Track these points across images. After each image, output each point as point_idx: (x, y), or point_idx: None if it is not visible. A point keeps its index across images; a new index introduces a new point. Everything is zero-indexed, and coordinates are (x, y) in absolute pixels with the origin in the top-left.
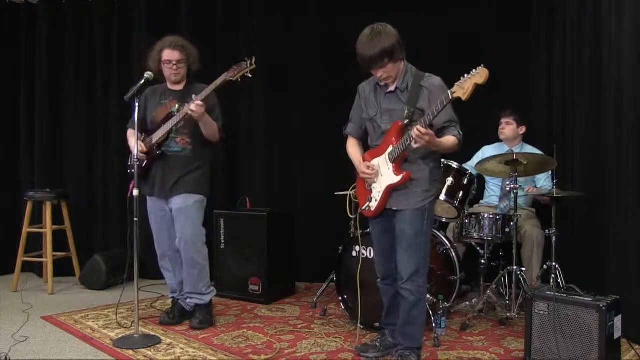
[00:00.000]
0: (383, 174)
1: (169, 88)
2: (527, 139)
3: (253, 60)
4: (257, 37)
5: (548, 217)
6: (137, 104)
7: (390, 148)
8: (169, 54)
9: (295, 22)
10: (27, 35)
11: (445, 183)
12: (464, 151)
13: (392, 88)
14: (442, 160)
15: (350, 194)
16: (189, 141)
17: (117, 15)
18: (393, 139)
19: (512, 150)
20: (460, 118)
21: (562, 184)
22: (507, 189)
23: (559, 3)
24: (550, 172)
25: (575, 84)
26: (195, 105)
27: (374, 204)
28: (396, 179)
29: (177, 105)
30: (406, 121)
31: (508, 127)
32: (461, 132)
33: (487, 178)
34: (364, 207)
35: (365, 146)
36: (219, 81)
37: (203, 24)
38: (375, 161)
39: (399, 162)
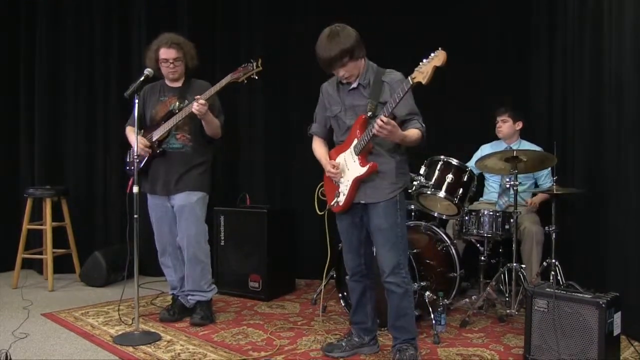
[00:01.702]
0: (350, 167)
1: (167, 85)
2: (524, 135)
3: (259, 62)
4: (257, 37)
5: (548, 213)
6: (136, 101)
7: (355, 141)
8: (166, 53)
9: (295, 22)
10: (27, 34)
11: (445, 180)
12: (465, 150)
13: (354, 85)
14: (442, 157)
15: (318, 191)
16: (189, 137)
17: (117, 14)
18: (357, 132)
19: (510, 147)
20: (459, 118)
21: (562, 181)
22: (507, 185)
23: (559, 3)
24: (550, 169)
25: (576, 84)
26: (198, 106)
27: (342, 199)
28: (362, 170)
29: (176, 103)
30: (369, 114)
31: (505, 125)
32: (424, 125)
33: (486, 175)
34: (332, 203)
35: (330, 144)
36: (223, 82)
37: (203, 24)
38: (341, 157)
39: (365, 154)
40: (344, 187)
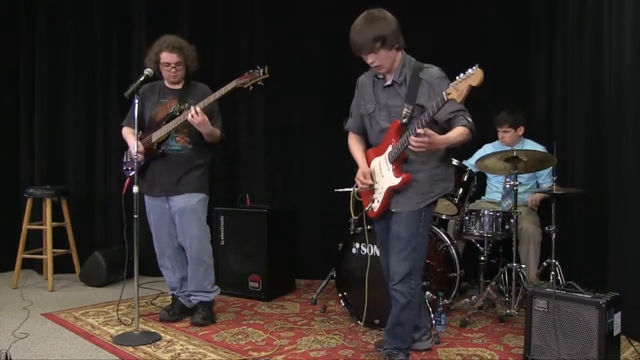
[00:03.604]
0: (384, 174)
1: (167, 87)
2: (527, 134)
3: (266, 69)
4: (257, 37)
5: (548, 213)
6: (136, 101)
7: (390, 148)
8: (167, 57)
9: (295, 22)
10: (27, 34)
11: None
12: (465, 150)
13: (389, 82)
14: None
15: (354, 192)
16: (189, 140)
17: (117, 14)
18: (393, 138)
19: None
20: None
21: (562, 181)
22: (507, 185)
23: (559, 3)
24: (551, 169)
25: (576, 84)
26: (191, 116)
27: (376, 205)
28: (396, 181)
29: (177, 105)
30: (404, 120)
31: (507, 135)
32: (471, 120)
33: (488, 175)
34: (367, 208)
35: (367, 141)
36: (229, 87)
37: (203, 24)
38: (376, 161)
39: (399, 162)
40: (378, 194)
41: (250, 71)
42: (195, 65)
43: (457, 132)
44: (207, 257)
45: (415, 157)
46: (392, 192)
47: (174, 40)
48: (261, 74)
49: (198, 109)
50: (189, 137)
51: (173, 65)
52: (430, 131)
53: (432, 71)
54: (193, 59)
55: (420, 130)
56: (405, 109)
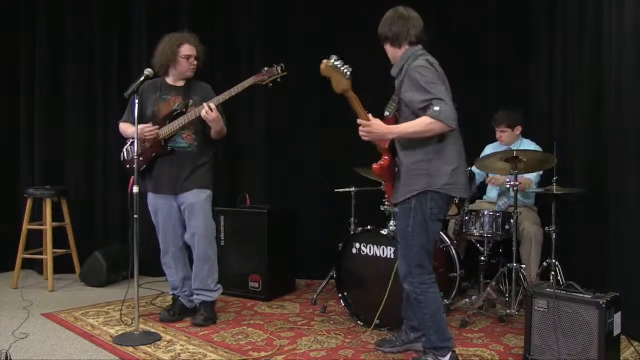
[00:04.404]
0: None
1: (168, 83)
2: (524, 133)
3: (284, 67)
4: (257, 37)
5: (548, 213)
6: (137, 101)
7: None
8: (189, 49)
9: (295, 22)
10: (27, 34)
11: None
12: (468, 150)
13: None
14: None
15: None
16: (194, 137)
17: (117, 14)
18: None
19: (510, 148)
20: (460, 119)
21: (562, 181)
22: (507, 185)
23: (559, 3)
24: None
25: (576, 84)
26: (206, 112)
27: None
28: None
29: (181, 102)
30: (386, 113)
31: (504, 135)
32: (439, 108)
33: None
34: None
35: None
36: (246, 84)
37: (203, 24)
38: None
39: (385, 153)
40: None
41: (266, 68)
42: (200, 64)
43: (414, 122)
44: (213, 254)
45: (399, 150)
46: (388, 181)
47: (192, 35)
48: (279, 71)
49: (212, 105)
50: (194, 133)
51: (194, 58)
52: (371, 121)
53: (414, 62)
54: (203, 57)
55: (358, 121)
56: (391, 102)
